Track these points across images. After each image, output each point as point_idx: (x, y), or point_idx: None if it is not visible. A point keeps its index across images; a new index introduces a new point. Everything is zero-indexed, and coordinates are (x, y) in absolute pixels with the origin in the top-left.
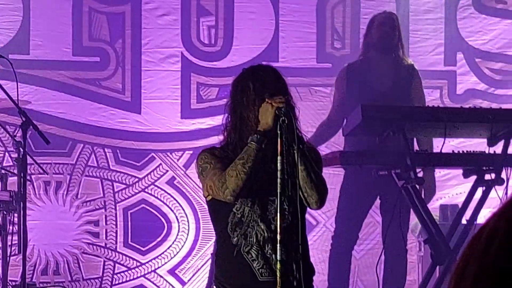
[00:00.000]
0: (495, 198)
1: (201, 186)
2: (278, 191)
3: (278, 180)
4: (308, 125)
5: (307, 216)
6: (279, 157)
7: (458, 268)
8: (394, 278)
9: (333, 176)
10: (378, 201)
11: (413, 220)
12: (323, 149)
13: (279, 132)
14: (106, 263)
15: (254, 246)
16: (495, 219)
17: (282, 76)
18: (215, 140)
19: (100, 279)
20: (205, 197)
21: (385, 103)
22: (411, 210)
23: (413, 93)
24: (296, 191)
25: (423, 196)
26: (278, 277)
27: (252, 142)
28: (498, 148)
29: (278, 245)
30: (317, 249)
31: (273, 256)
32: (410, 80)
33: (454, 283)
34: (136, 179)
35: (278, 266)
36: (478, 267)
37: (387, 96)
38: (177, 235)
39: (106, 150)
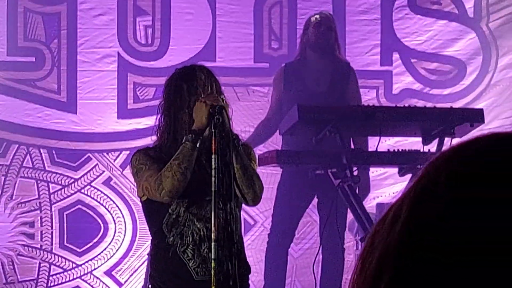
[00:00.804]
0: None
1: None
2: (213, 189)
3: (213, 179)
4: (246, 125)
5: (244, 215)
6: (213, 155)
7: (364, 250)
8: (331, 277)
9: (270, 176)
10: (315, 200)
11: (350, 218)
12: (260, 148)
13: (213, 130)
14: (42, 265)
15: (190, 246)
16: (400, 202)
17: (216, 75)
18: (152, 140)
19: (35, 281)
20: (140, 197)
21: (321, 103)
22: (347, 210)
23: (349, 93)
24: (231, 189)
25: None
26: (213, 276)
27: (186, 142)
28: (433, 147)
29: (213, 243)
30: (255, 248)
31: (209, 255)
32: (347, 80)
33: (361, 264)
34: (72, 180)
35: (213, 265)
36: (383, 248)
37: (324, 96)
38: (114, 236)
39: (41, 150)
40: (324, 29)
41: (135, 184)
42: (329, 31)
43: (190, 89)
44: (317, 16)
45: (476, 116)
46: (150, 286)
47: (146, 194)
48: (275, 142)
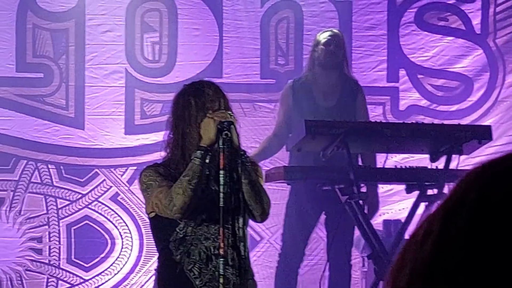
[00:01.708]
0: None
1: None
2: (221, 205)
3: (221, 194)
4: (252, 141)
5: (251, 232)
6: (221, 171)
7: (395, 266)
8: None
9: (276, 192)
10: (322, 216)
11: (357, 235)
12: (267, 164)
13: (221, 146)
14: (49, 279)
15: (197, 264)
16: (431, 218)
17: (224, 91)
18: (159, 155)
19: None
20: (148, 214)
21: (327, 119)
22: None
23: (357, 110)
24: (240, 204)
25: (366, 211)
26: None
27: (195, 158)
28: (440, 164)
29: (221, 259)
30: (261, 265)
31: (216, 273)
32: (355, 97)
33: (392, 280)
34: (80, 195)
35: (221, 280)
36: (414, 264)
37: (332, 112)
38: (121, 251)
39: (49, 166)
40: (334, 47)
41: (144, 200)
42: (338, 49)
43: (198, 105)
44: (327, 34)
45: (484, 133)
46: None
47: (156, 210)
48: (281, 158)
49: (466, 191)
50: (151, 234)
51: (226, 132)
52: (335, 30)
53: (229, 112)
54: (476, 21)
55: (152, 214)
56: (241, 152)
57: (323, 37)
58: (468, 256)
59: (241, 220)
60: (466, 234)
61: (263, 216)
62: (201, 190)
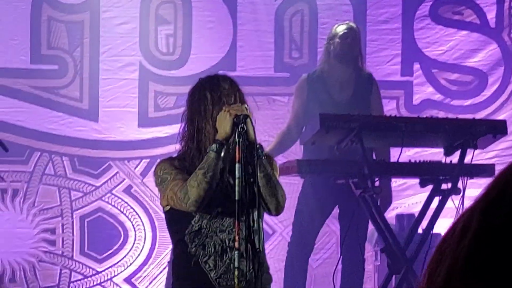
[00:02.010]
0: (452, 208)
1: (158, 195)
2: (237, 198)
3: (236, 188)
4: (265, 135)
5: (263, 225)
6: (237, 164)
7: (432, 260)
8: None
9: (289, 185)
10: (335, 210)
11: (369, 229)
12: (280, 158)
13: (237, 139)
14: (63, 271)
15: (212, 256)
16: (469, 213)
17: (239, 85)
18: (172, 148)
19: (56, 287)
20: (163, 207)
21: (344, 112)
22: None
23: (371, 103)
24: (255, 198)
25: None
26: (236, 285)
27: (211, 151)
28: (454, 158)
29: (236, 252)
30: (273, 258)
31: (231, 266)
32: (369, 90)
33: (429, 275)
34: (93, 187)
35: (236, 273)
36: (452, 259)
37: (347, 106)
38: (134, 243)
39: (63, 158)
40: (351, 40)
41: (159, 194)
42: (355, 42)
43: (214, 99)
44: (344, 27)
45: (500, 128)
46: None
47: (171, 203)
48: (294, 152)
49: (506, 185)
50: (166, 228)
51: (242, 125)
52: (351, 24)
53: (245, 106)
54: (491, 15)
55: (167, 208)
56: (256, 146)
57: (340, 30)
58: (508, 250)
59: (256, 214)
60: (506, 229)
61: (278, 209)
62: (216, 184)
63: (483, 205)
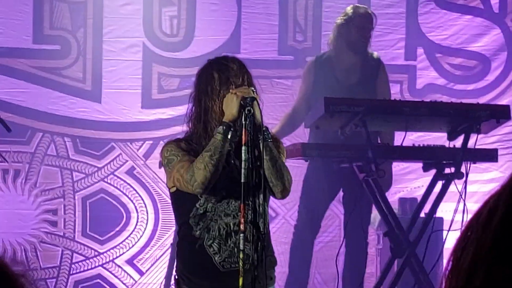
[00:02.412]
0: (454, 192)
1: (160, 176)
2: (242, 180)
3: (243, 170)
4: (269, 117)
5: None
6: (243, 147)
7: (457, 247)
8: (354, 271)
9: (293, 168)
10: (339, 193)
11: (372, 212)
12: (284, 141)
13: (244, 122)
14: (64, 252)
15: (217, 240)
16: (496, 197)
17: (247, 67)
18: (175, 130)
19: (57, 268)
20: (169, 189)
21: (350, 96)
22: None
23: (377, 87)
24: (261, 181)
25: None
26: (241, 267)
27: (218, 134)
28: (458, 142)
29: (241, 235)
30: (276, 241)
31: (235, 249)
32: (376, 74)
33: (454, 261)
34: (96, 169)
35: (241, 256)
36: (478, 244)
37: (353, 89)
38: (136, 225)
39: (65, 139)
40: (366, 31)
41: (165, 175)
42: (369, 33)
43: (222, 79)
44: (361, 13)
45: (503, 113)
46: (176, 277)
47: (177, 185)
48: (298, 135)
49: None
50: (172, 209)
51: (248, 108)
52: (369, 11)
53: (252, 88)
54: (494, 0)
55: (173, 189)
56: (263, 128)
57: (357, 17)
58: None
59: (261, 197)
60: None
61: (284, 193)
62: (222, 166)
63: (510, 190)
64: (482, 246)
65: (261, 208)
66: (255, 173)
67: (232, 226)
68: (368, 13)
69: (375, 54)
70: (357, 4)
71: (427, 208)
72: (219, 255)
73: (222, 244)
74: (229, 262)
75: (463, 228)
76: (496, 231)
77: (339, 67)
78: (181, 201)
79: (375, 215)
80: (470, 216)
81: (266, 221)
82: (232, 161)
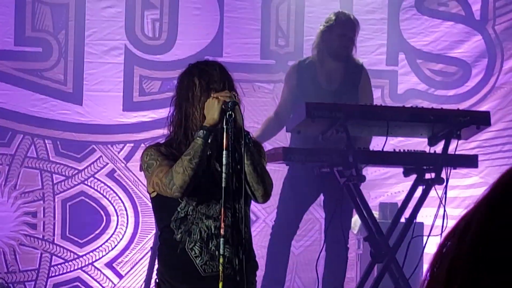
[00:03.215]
0: (435, 197)
1: (141, 179)
2: (223, 185)
3: (223, 174)
4: (250, 121)
5: None
6: (224, 151)
7: (434, 260)
8: (334, 275)
9: (274, 172)
10: (319, 198)
11: (353, 217)
12: (265, 145)
13: (225, 126)
14: (43, 255)
15: (198, 243)
16: (472, 211)
17: (229, 72)
18: (156, 133)
19: (36, 271)
20: (149, 193)
21: (331, 101)
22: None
23: (360, 93)
24: (242, 185)
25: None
26: (221, 272)
27: (198, 138)
28: (438, 148)
29: (221, 239)
30: (256, 244)
31: (217, 252)
32: (358, 80)
33: (431, 272)
34: (76, 171)
35: (221, 260)
36: (453, 257)
37: (335, 95)
38: (116, 228)
39: (46, 141)
40: (348, 39)
41: (145, 180)
42: (351, 41)
43: (202, 85)
44: (343, 22)
45: (483, 119)
46: (157, 280)
47: (157, 189)
48: (279, 139)
49: (508, 185)
50: (149, 212)
51: (230, 112)
52: (351, 17)
53: (234, 93)
54: (476, 7)
55: (154, 194)
56: (244, 133)
57: (340, 25)
58: (508, 250)
59: (242, 201)
60: (508, 229)
61: (265, 197)
62: (202, 170)
63: (486, 206)
64: (458, 258)
65: (242, 212)
66: (236, 178)
67: (213, 229)
68: (350, 20)
69: (359, 60)
70: (341, 10)
71: (407, 213)
72: (200, 258)
73: (204, 247)
74: (210, 266)
75: (443, 237)
76: (474, 239)
77: (321, 73)
78: (162, 205)
79: (355, 220)
80: (450, 221)
81: (247, 225)
82: (213, 165)
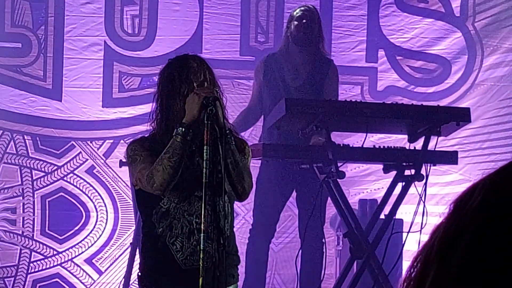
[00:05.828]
0: (414, 194)
1: (121, 176)
2: (204, 180)
3: (204, 170)
4: (230, 117)
5: None
6: (205, 147)
7: (410, 268)
8: (311, 271)
9: (253, 169)
10: (295, 194)
11: (332, 213)
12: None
13: (206, 122)
14: (23, 251)
15: (179, 238)
16: (425, 253)
17: (210, 66)
18: (136, 129)
19: (16, 267)
20: (134, 186)
21: (303, 97)
22: (326, 204)
23: (326, 88)
24: (222, 182)
25: None
26: (201, 266)
27: (177, 135)
28: (418, 145)
29: (202, 234)
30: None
31: (198, 247)
32: (325, 75)
33: (407, 277)
34: (55, 167)
35: (202, 255)
36: (440, 265)
37: (300, 90)
38: (95, 224)
39: (25, 137)
40: (307, 21)
41: (129, 173)
42: (312, 24)
43: (182, 78)
44: (301, 9)
45: (463, 115)
46: (139, 274)
47: (139, 185)
48: (258, 135)
49: (472, 189)
50: (128, 208)
51: (211, 107)
52: (309, 5)
53: (216, 89)
54: (455, 4)
55: (137, 187)
56: (226, 130)
57: (296, 12)
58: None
59: (223, 197)
60: (476, 228)
61: (243, 196)
62: (186, 166)
63: (454, 206)
64: (448, 266)
65: (225, 207)
66: (216, 174)
67: (195, 224)
68: (307, 7)
69: (327, 55)
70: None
71: (387, 209)
72: (181, 253)
73: (185, 242)
74: (191, 260)
75: (416, 255)
76: (464, 252)
77: (287, 68)
78: (145, 199)
79: (335, 216)
80: (430, 218)
81: (229, 220)
82: (197, 161)
